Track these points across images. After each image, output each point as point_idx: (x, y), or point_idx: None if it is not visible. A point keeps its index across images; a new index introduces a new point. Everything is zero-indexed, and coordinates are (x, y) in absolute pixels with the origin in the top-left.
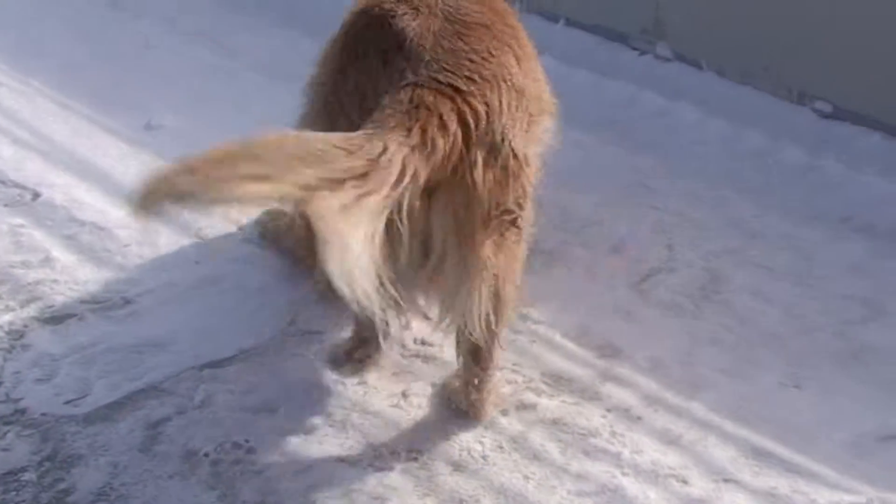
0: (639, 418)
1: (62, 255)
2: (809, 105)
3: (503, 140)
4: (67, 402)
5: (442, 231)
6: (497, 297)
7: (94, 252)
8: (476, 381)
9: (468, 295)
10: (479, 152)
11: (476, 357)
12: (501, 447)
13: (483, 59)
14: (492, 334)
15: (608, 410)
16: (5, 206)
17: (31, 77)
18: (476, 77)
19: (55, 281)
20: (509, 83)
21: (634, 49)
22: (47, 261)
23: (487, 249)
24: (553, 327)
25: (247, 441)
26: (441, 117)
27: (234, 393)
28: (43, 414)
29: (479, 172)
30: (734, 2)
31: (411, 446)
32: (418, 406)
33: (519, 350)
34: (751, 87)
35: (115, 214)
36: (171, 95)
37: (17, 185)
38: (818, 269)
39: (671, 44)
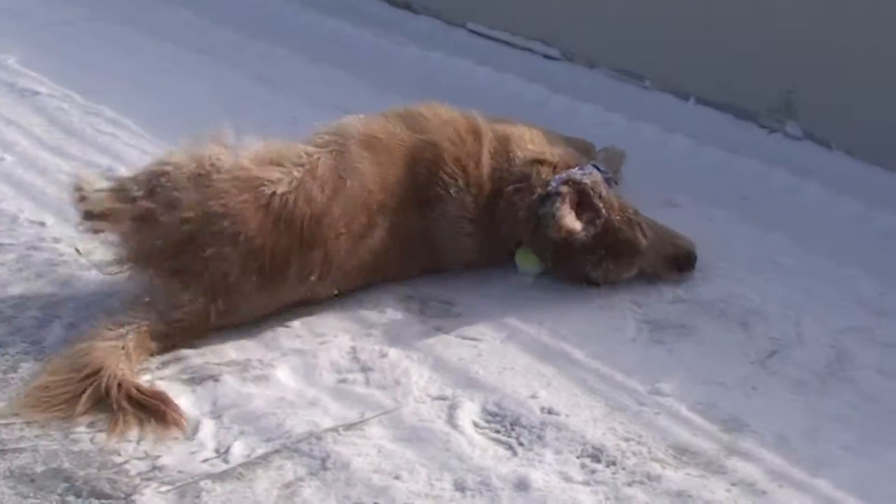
0: (763, 493)
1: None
2: None
3: None
4: (204, 461)
5: None
6: None
7: None
8: None
9: None
10: None
11: None
12: None
13: None
14: None
15: (733, 484)
16: None
17: (178, 146)
18: None
19: (194, 345)
20: None
21: (764, 127)
22: None
23: None
24: (680, 400)
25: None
26: None
27: (368, 456)
28: (180, 471)
29: None
30: (864, 82)
31: None
32: (546, 474)
33: (644, 422)
34: (881, 167)
35: None
36: None
37: None
38: None
39: (801, 123)
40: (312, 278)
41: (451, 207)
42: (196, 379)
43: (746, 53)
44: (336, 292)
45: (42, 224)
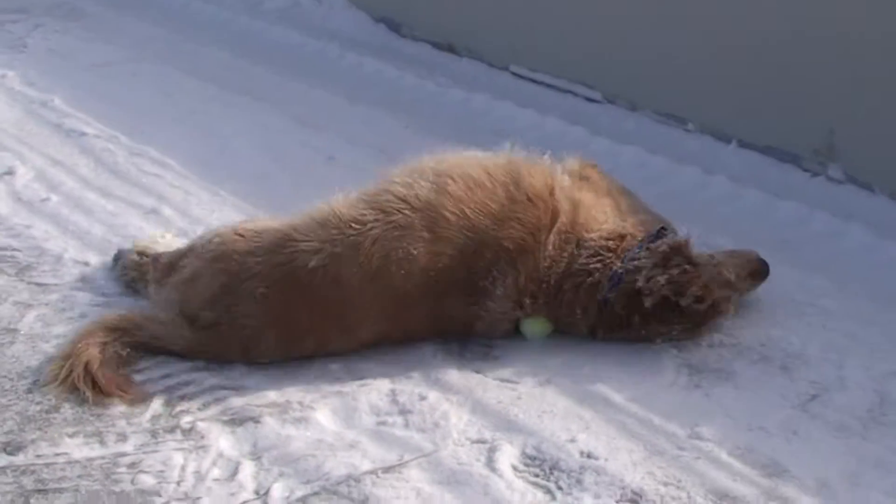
0: None
1: (241, 361)
2: None
3: None
4: (244, 502)
5: None
6: None
7: None
8: None
9: None
10: None
11: None
12: None
13: None
14: None
15: None
16: None
17: (220, 186)
18: None
19: (234, 386)
20: None
21: (806, 171)
22: (228, 365)
23: None
24: (719, 445)
25: None
26: None
27: (408, 499)
28: None
29: None
30: None
31: None
32: None
33: (683, 466)
34: None
35: None
36: None
37: None
38: None
39: (843, 166)
40: (330, 348)
41: (500, 303)
42: (236, 420)
43: (788, 97)
44: None
45: (86, 264)
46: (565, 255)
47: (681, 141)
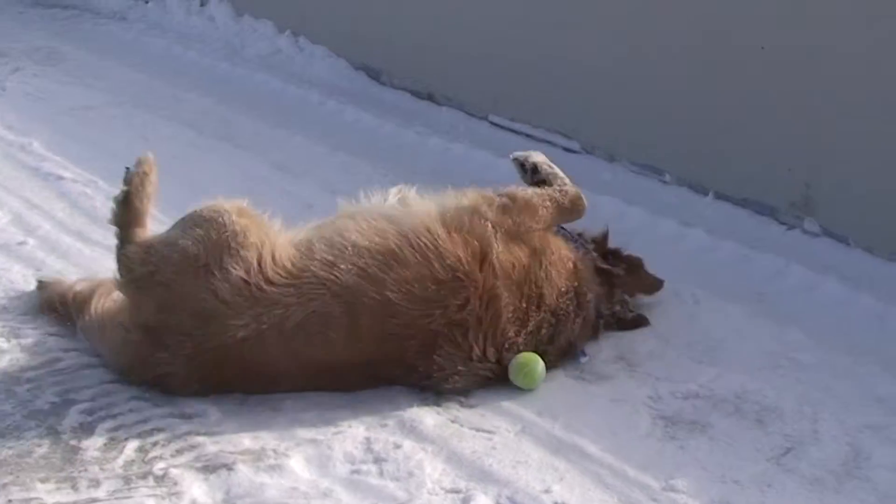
0: None
1: (215, 407)
2: None
3: None
4: None
5: None
6: None
7: (247, 405)
8: None
9: None
10: None
11: None
12: None
13: None
14: None
15: None
16: None
17: None
18: None
19: (208, 432)
20: None
21: (782, 223)
22: (202, 412)
23: None
24: (693, 497)
25: None
26: None
27: None
28: None
29: None
30: (883, 179)
31: None
32: None
33: None
34: None
35: None
36: None
37: None
38: None
39: (819, 219)
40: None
41: (444, 371)
42: (210, 467)
43: (765, 150)
44: None
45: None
46: (532, 320)
47: (658, 192)
